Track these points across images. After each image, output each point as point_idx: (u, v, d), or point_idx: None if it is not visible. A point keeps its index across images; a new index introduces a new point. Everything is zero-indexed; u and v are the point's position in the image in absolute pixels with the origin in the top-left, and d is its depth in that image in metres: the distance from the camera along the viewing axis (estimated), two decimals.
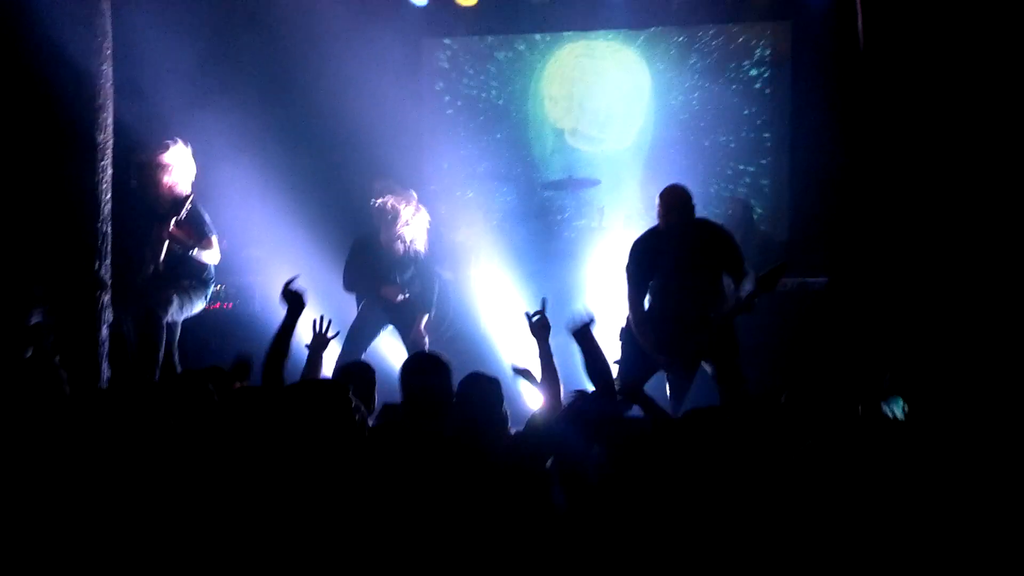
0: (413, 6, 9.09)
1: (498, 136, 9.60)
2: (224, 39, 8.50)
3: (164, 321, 6.25)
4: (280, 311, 4.59)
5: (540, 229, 8.40)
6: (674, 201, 5.63)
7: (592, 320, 4.50)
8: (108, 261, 5.96)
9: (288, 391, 3.87)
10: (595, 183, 8.80)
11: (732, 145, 9.29)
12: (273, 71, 8.80)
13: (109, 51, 6.00)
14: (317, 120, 8.67)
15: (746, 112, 9.24)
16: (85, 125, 5.94)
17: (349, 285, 6.73)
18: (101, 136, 5.98)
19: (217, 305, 7.36)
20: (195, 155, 6.47)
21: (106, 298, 5.96)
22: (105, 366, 5.97)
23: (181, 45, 7.79)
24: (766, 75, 9.23)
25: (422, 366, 4.17)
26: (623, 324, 5.80)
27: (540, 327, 4.61)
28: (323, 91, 8.61)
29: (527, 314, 4.70)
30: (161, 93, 7.49)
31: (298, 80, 8.71)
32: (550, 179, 9.02)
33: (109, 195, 6.00)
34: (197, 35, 8.03)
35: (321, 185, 8.36)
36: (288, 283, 4.58)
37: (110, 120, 6.01)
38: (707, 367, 5.66)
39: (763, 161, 9.26)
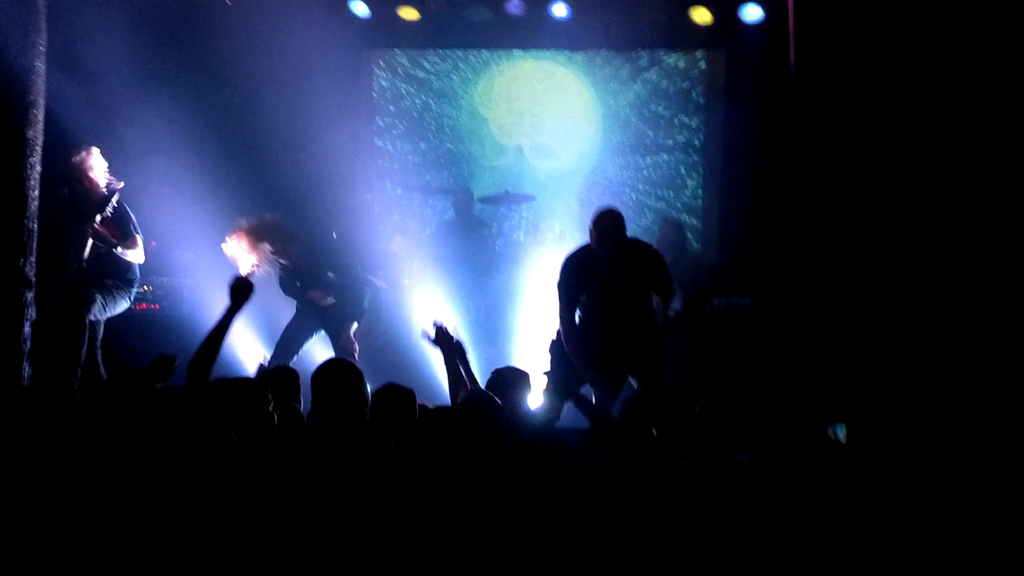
0: (356, 17, 9.10)
1: (435, 149, 9.65)
2: (160, 40, 8.41)
3: (87, 320, 6.16)
4: (210, 312, 4.52)
5: (474, 242, 8.45)
6: (606, 224, 5.70)
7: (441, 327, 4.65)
8: (33, 258, 5.87)
9: (207, 389, 3.84)
10: (530, 199, 8.89)
11: (666, 167, 9.47)
12: (210, 76, 8.72)
13: (43, 48, 5.92)
14: (254, 125, 8.62)
15: (681, 136, 9.45)
16: (15, 121, 5.85)
17: (284, 291, 6.70)
18: (31, 132, 5.90)
19: (144, 306, 7.27)
20: (127, 155, 6.41)
21: (30, 295, 5.86)
22: (27, 365, 5.87)
23: (117, 46, 7.70)
24: (701, 101, 9.42)
25: (333, 374, 4.11)
26: (553, 337, 5.86)
27: (441, 341, 4.79)
28: (261, 96, 8.58)
29: (424, 333, 4.82)
30: (95, 93, 7.40)
31: (235, 85, 8.65)
32: (486, 193, 9.09)
33: (37, 192, 5.91)
34: (133, 36, 7.94)
35: (255, 189, 8.30)
36: (239, 276, 4.40)
37: (41, 116, 5.93)
38: (634, 382, 5.74)
39: (696, 183, 9.45)
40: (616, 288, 5.72)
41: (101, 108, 7.39)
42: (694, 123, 9.45)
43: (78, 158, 6.25)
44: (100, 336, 6.37)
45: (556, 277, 5.83)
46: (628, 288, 5.74)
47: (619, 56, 9.48)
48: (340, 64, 9.08)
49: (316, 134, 8.53)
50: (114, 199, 6.20)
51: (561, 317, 5.78)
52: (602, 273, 5.73)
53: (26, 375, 5.83)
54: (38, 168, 5.90)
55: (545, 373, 5.13)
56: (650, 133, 9.47)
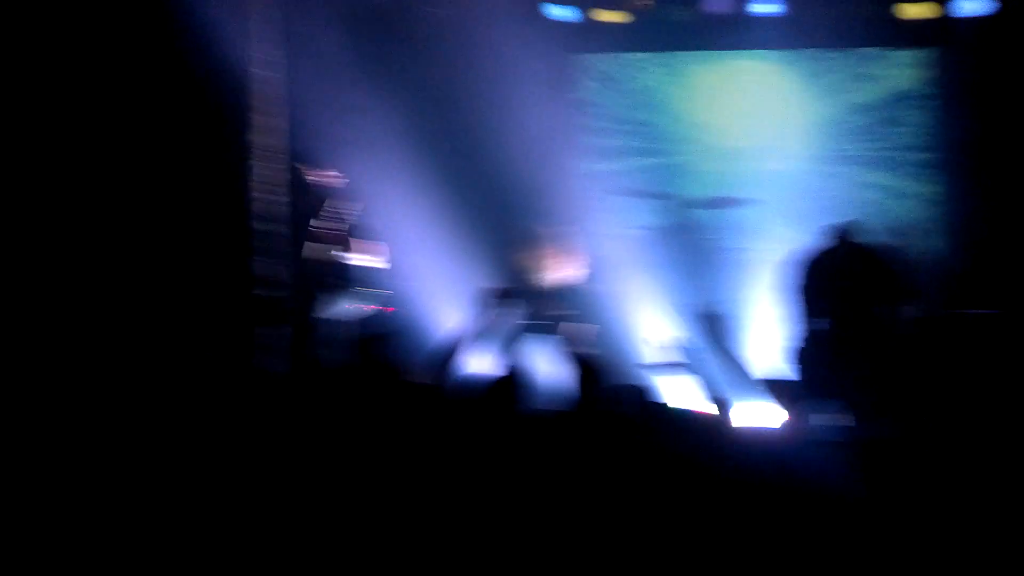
0: (559, 21, 9.11)
1: (644, 153, 9.52)
2: (378, 49, 8.63)
3: (332, 321, 6.35)
4: (438, 314, 4.62)
5: (689, 247, 8.34)
6: (837, 233, 5.56)
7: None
8: (265, 259, 6.08)
9: (453, 388, 3.92)
10: (746, 202, 8.68)
11: (888, 169, 9.07)
12: (425, 82, 8.90)
13: (265, 56, 6.16)
14: (467, 131, 8.75)
15: (903, 137, 9.04)
16: (235, 126, 6.11)
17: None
18: (249, 136, 6.13)
19: (377, 308, 7.43)
20: (358, 160, 6.61)
21: (261, 293, 6.04)
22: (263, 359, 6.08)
23: (337, 53, 7.94)
24: (923, 100, 9.01)
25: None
26: (794, 343, 5.71)
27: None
28: (473, 103, 8.68)
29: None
30: (323, 100, 7.64)
31: (449, 91, 8.80)
32: (699, 197, 8.93)
33: (267, 196, 6.13)
34: (353, 44, 8.16)
35: (473, 193, 8.45)
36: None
37: (275, 124, 6.16)
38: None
39: (921, 187, 9.03)
40: (849, 292, 5.55)
41: (326, 118, 7.63)
42: (916, 124, 9.02)
43: (309, 171, 6.50)
44: (345, 337, 6.53)
45: (793, 280, 5.67)
46: (860, 293, 5.56)
47: (832, 55, 9.15)
48: (545, 69, 9.09)
49: (526, 139, 8.60)
50: (347, 205, 6.41)
51: (800, 321, 5.63)
52: (836, 277, 5.57)
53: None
54: (268, 172, 6.14)
55: (797, 380, 4.97)
56: (870, 134, 9.08)
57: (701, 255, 8.35)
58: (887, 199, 9.04)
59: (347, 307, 6.46)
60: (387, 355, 4.69)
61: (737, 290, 7.75)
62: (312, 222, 6.46)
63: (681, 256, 8.20)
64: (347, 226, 6.46)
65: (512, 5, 8.71)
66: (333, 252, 6.43)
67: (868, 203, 8.94)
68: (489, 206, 8.45)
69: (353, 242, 6.47)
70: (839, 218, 6.43)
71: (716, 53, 9.40)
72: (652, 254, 8.25)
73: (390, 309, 7.44)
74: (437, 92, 8.87)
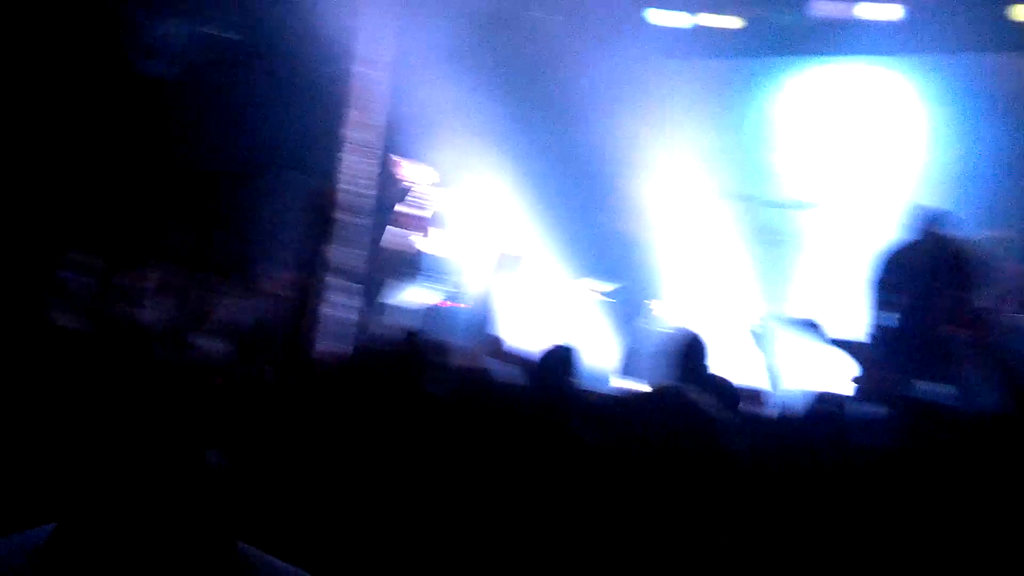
0: (665, 27, 9.08)
1: (749, 159, 9.26)
2: (487, 51, 8.64)
3: (397, 308, 6.52)
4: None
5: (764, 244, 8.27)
6: (918, 218, 5.39)
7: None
8: (349, 250, 6.24)
9: None
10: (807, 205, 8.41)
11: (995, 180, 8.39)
12: (527, 85, 8.95)
13: (365, 54, 6.37)
14: (564, 132, 8.79)
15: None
16: (333, 120, 6.32)
17: None
18: (344, 131, 6.35)
19: (448, 303, 7.20)
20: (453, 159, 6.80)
21: (333, 281, 6.18)
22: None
23: (446, 52, 8.00)
24: None
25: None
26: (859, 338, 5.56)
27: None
28: (571, 106, 8.70)
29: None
30: (426, 97, 7.72)
31: (545, 92, 8.85)
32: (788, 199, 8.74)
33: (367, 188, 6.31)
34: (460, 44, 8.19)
35: (563, 191, 8.50)
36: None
37: (372, 120, 6.36)
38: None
39: None
40: (929, 287, 5.37)
41: (425, 108, 7.73)
42: None
43: (401, 164, 6.69)
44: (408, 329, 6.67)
45: (868, 276, 5.54)
46: (940, 287, 5.36)
47: (957, 60, 8.57)
48: (647, 74, 9.02)
49: (618, 142, 8.58)
50: (432, 198, 6.58)
51: (871, 316, 5.50)
52: (914, 271, 5.40)
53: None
54: (359, 165, 6.29)
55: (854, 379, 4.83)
56: (983, 142, 8.33)
57: (785, 255, 8.21)
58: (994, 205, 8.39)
59: (414, 295, 6.63)
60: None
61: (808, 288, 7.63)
62: (394, 212, 6.67)
63: (766, 256, 8.09)
64: (429, 217, 6.65)
65: (616, 12, 8.74)
66: (411, 242, 6.60)
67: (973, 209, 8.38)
68: (578, 205, 8.50)
69: (433, 232, 6.65)
70: (926, 208, 6.12)
71: (824, 57, 9.12)
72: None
73: (460, 304, 7.36)
74: (537, 94, 8.92)
